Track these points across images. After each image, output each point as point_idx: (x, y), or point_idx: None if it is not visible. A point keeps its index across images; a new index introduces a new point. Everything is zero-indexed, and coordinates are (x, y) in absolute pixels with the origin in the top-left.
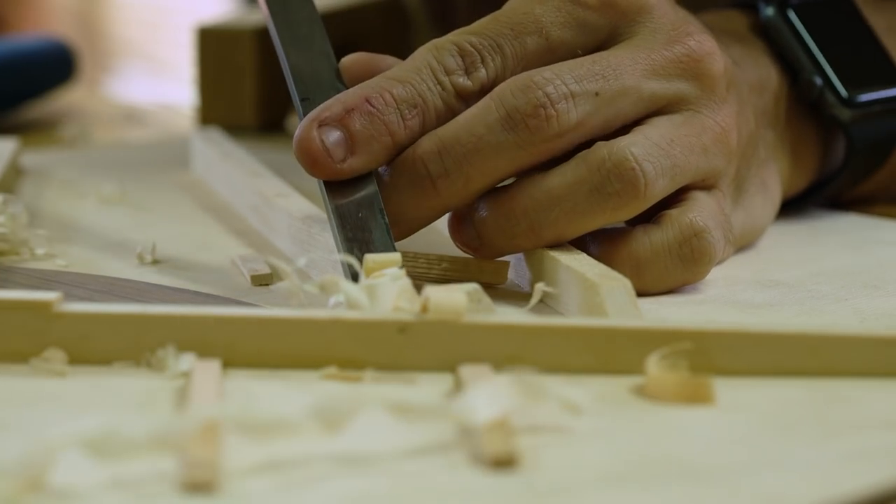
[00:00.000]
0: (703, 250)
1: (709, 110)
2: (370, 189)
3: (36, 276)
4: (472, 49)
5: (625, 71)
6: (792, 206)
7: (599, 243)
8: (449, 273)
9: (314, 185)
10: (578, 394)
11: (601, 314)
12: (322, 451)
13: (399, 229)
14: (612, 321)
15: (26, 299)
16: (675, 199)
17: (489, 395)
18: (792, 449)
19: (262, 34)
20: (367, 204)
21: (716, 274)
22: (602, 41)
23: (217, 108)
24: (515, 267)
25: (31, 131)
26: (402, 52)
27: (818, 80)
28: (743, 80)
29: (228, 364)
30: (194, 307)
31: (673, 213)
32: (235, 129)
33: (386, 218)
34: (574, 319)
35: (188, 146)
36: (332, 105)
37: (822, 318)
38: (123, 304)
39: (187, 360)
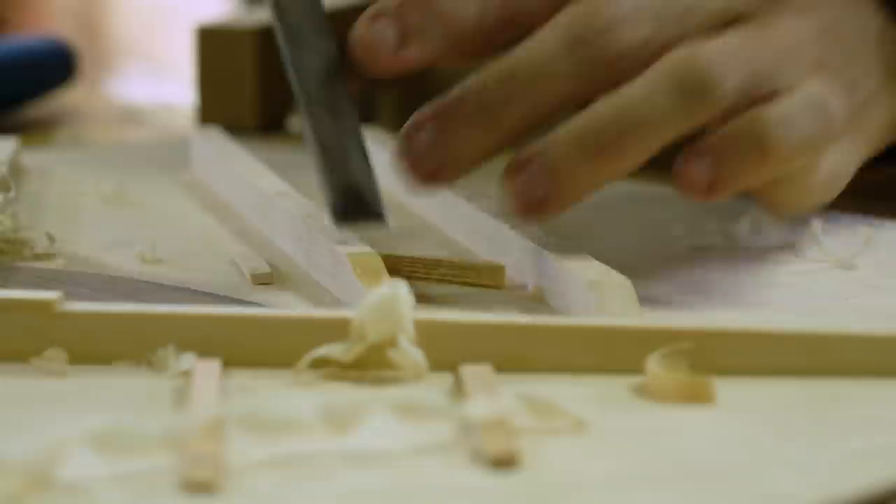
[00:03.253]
0: (832, 110)
1: (784, 20)
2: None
3: (36, 275)
4: None
5: None
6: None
7: (727, 131)
8: (447, 277)
9: (314, 184)
10: (582, 408)
11: (601, 314)
12: (326, 448)
13: (457, 166)
14: (612, 321)
15: (27, 299)
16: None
17: (492, 402)
18: (792, 449)
19: (262, 34)
20: (350, 129)
21: (715, 274)
22: None
23: (217, 108)
24: (516, 267)
25: (31, 131)
26: None
27: None
28: (842, 6)
29: (229, 364)
30: (194, 307)
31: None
32: (235, 129)
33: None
34: (574, 319)
35: (188, 146)
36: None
37: (822, 318)
38: (124, 304)
39: (188, 360)
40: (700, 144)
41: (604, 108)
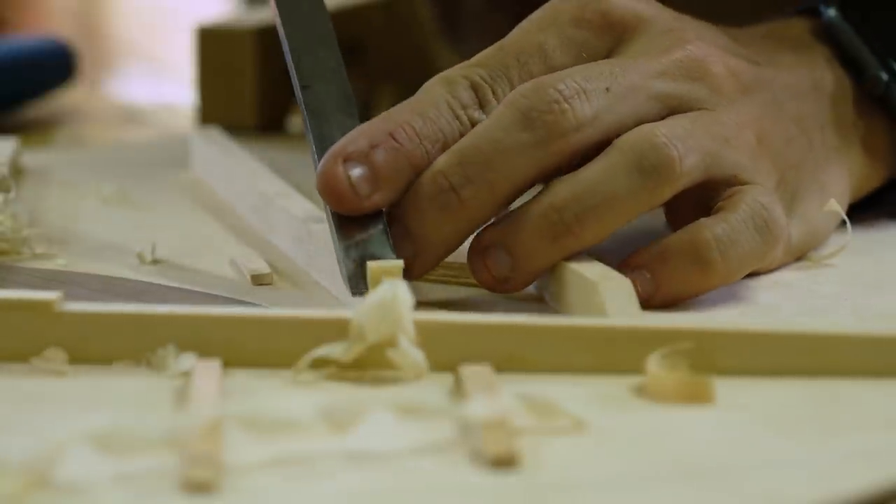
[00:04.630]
0: (774, 220)
1: (721, 108)
2: (377, 217)
3: (36, 275)
4: (483, 82)
5: (631, 71)
6: (872, 203)
7: (667, 247)
8: (447, 277)
9: (314, 184)
10: (582, 408)
11: (601, 314)
12: (325, 448)
13: (429, 253)
14: (612, 321)
15: (26, 299)
16: (721, 198)
17: (492, 402)
18: (792, 449)
19: (262, 34)
20: (374, 227)
21: None
22: (604, 58)
23: (217, 108)
24: None
25: (31, 131)
26: (404, 54)
27: (884, 75)
28: (781, 85)
29: (228, 364)
30: (194, 307)
31: (731, 198)
32: (235, 129)
33: (389, 235)
34: (574, 319)
35: (188, 146)
36: (357, 139)
37: (822, 318)
38: (124, 304)
39: (187, 360)
40: (640, 258)
41: (563, 190)
